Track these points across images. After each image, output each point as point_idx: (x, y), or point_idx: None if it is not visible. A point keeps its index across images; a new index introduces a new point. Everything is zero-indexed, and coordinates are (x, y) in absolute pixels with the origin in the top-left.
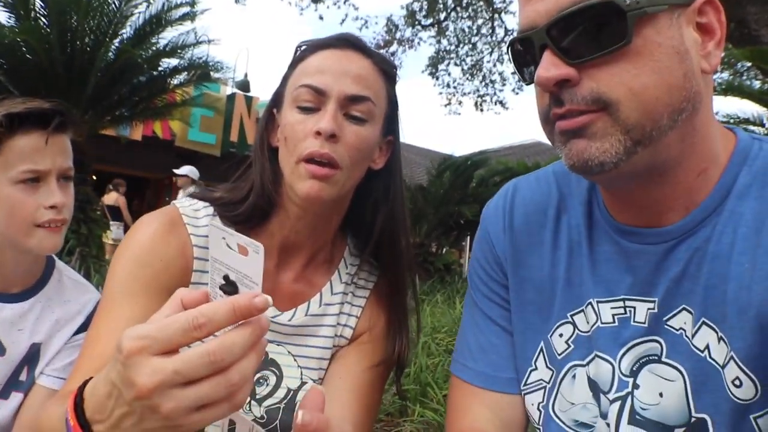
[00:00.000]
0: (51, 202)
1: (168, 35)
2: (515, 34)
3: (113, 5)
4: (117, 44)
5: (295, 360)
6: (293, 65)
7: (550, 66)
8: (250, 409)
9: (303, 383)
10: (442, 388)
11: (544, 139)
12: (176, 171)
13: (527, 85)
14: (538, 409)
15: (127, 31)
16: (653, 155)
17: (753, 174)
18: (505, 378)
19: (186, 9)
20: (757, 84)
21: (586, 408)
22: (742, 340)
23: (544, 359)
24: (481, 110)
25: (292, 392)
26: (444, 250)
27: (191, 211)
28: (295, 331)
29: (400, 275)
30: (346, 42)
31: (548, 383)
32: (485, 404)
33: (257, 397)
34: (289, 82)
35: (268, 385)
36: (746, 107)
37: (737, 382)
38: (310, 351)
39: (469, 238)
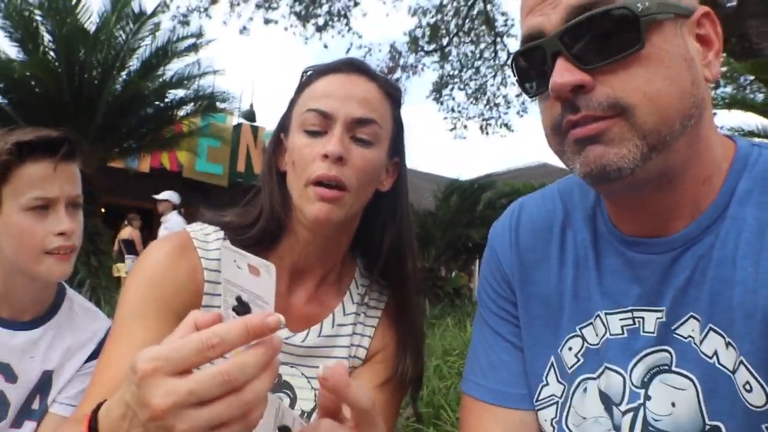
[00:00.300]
0: (60, 228)
1: (174, 66)
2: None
3: (120, 38)
4: (124, 76)
5: (308, 382)
6: (299, 90)
7: (564, 72)
8: None
9: (317, 405)
10: (455, 410)
11: (550, 160)
12: (156, 196)
13: (531, 97)
14: (552, 425)
15: (134, 63)
16: (665, 161)
17: (753, 179)
18: (517, 394)
19: (192, 40)
20: (760, 97)
21: (598, 422)
22: (751, 344)
23: (555, 374)
24: (487, 134)
25: (306, 414)
26: (453, 273)
27: (202, 235)
28: (308, 352)
29: (409, 294)
30: (351, 66)
31: (560, 398)
32: (497, 421)
33: None
34: (295, 107)
35: None
36: (749, 120)
37: (748, 387)
38: None
39: (478, 261)
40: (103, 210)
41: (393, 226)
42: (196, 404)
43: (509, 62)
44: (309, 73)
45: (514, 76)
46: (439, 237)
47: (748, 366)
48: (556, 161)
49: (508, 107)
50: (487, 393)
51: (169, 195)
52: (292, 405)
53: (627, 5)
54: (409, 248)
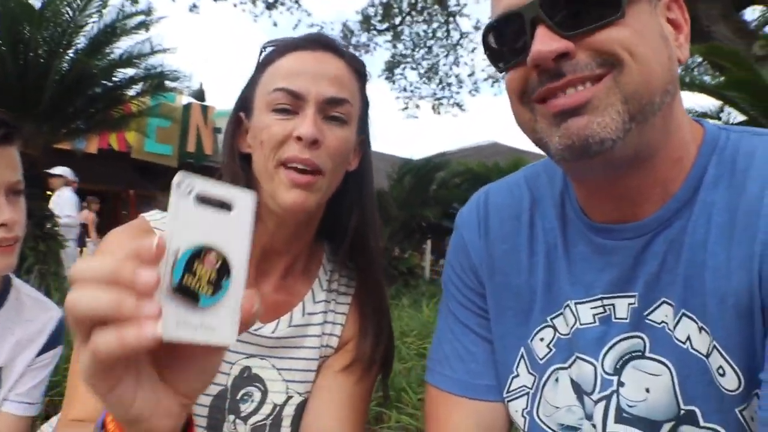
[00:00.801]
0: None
1: (123, 45)
2: (481, 27)
3: (67, 15)
4: (71, 55)
5: (279, 374)
6: (261, 67)
7: (548, 40)
8: (235, 428)
9: (289, 397)
10: (417, 392)
11: (501, 139)
12: (50, 171)
13: (503, 71)
14: (523, 415)
15: (81, 42)
16: (641, 135)
17: (723, 163)
18: (484, 385)
19: (141, 18)
20: (707, 78)
21: (571, 410)
22: (723, 328)
23: (526, 365)
24: (438, 113)
25: (278, 408)
26: (407, 253)
27: (161, 223)
28: (278, 343)
29: (375, 276)
30: (318, 43)
31: (531, 389)
32: (465, 412)
33: (242, 414)
34: (258, 86)
35: (252, 401)
36: (702, 101)
37: (721, 371)
38: (295, 363)
39: (429, 241)
40: (49, 193)
41: (359, 206)
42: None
43: (483, 34)
44: (270, 49)
45: (485, 49)
46: (394, 217)
47: (721, 350)
48: (507, 140)
49: (460, 87)
50: (454, 384)
51: (62, 170)
52: (264, 398)
53: None
54: (374, 228)
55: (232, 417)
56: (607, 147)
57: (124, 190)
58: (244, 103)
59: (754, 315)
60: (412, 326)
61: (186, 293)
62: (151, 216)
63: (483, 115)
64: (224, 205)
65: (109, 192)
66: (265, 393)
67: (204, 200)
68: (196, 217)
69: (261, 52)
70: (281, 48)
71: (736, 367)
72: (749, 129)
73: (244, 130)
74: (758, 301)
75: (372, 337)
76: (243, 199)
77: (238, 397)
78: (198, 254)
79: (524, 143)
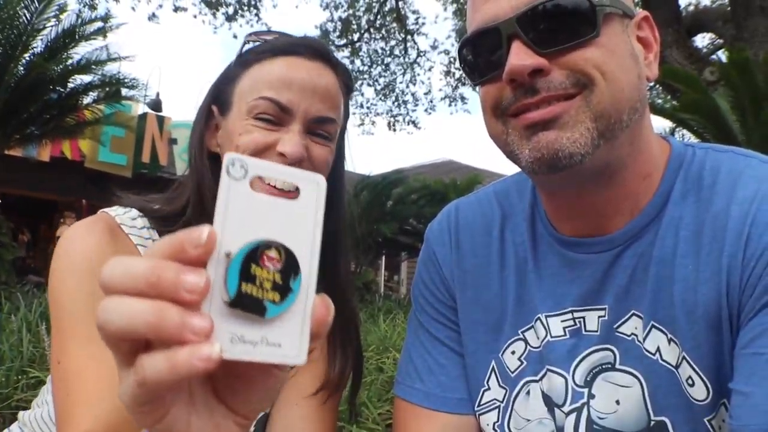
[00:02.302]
0: None
1: (81, 51)
2: (438, 47)
3: (24, 17)
4: (28, 58)
5: None
6: (244, 63)
7: (524, 56)
8: None
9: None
10: (377, 406)
11: (456, 157)
12: None
13: (476, 84)
14: (494, 428)
15: (38, 46)
16: (610, 152)
17: (689, 179)
18: (455, 398)
19: (100, 24)
20: (659, 101)
21: (542, 423)
22: (692, 339)
23: (497, 378)
24: (394, 130)
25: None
26: (362, 268)
27: (128, 219)
28: None
29: (342, 287)
30: (314, 51)
31: (502, 402)
32: (436, 426)
33: None
34: (239, 83)
35: None
36: (656, 123)
37: (690, 381)
38: None
39: (384, 256)
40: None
41: (332, 217)
42: None
43: (458, 48)
44: (259, 47)
45: (461, 62)
46: (350, 232)
47: (690, 361)
48: (462, 158)
49: (416, 105)
50: (425, 397)
51: None
52: None
53: None
54: (346, 241)
55: None
56: (576, 161)
57: (77, 199)
58: (219, 96)
59: (722, 326)
60: (370, 341)
61: (246, 303)
62: (115, 211)
63: (439, 134)
64: (286, 192)
65: (60, 201)
66: None
67: (262, 185)
68: (252, 207)
69: (244, 43)
70: (271, 48)
71: (704, 378)
72: (713, 146)
73: (215, 125)
74: (726, 311)
75: (340, 359)
76: (310, 183)
77: None
78: (256, 253)
79: (479, 161)
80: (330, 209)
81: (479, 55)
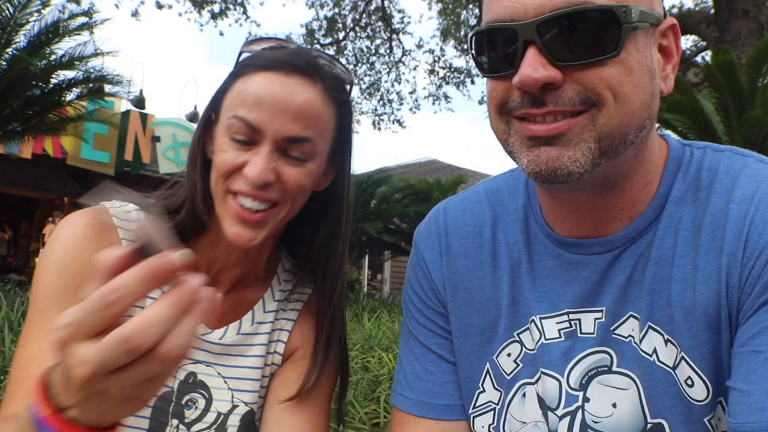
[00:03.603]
0: None
1: (64, 46)
2: (423, 46)
3: (6, 11)
4: (10, 53)
5: (225, 382)
6: (234, 75)
7: (538, 66)
8: None
9: (234, 406)
10: (363, 406)
11: (440, 157)
12: None
13: (485, 75)
14: (489, 431)
15: (21, 40)
16: (612, 168)
17: (688, 180)
18: (442, 405)
19: (84, 19)
20: None
21: (537, 426)
22: (691, 339)
23: (492, 381)
24: (379, 129)
25: (222, 416)
26: (347, 267)
27: (122, 213)
28: (225, 350)
29: (336, 291)
30: (292, 66)
31: (497, 404)
32: None
33: (186, 420)
34: (228, 95)
35: (197, 408)
36: None
37: (689, 382)
38: (241, 372)
39: (367, 255)
40: None
41: (328, 222)
42: (115, 370)
43: (470, 35)
44: (246, 60)
45: (470, 49)
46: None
47: (689, 361)
48: (446, 158)
49: (401, 104)
50: (412, 405)
51: None
52: (208, 406)
53: (612, 8)
54: (343, 245)
55: (175, 422)
56: (573, 179)
57: (59, 197)
58: (215, 106)
59: (721, 325)
60: (355, 340)
61: None
62: (112, 206)
63: (423, 132)
64: None
65: (42, 199)
66: (209, 401)
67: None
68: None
69: (240, 54)
70: (256, 63)
71: (704, 377)
72: (711, 145)
73: (213, 134)
74: (725, 310)
75: (322, 347)
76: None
77: (183, 402)
78: None
79: (463, 161)
80: (324, 216)
81: (491, 49)
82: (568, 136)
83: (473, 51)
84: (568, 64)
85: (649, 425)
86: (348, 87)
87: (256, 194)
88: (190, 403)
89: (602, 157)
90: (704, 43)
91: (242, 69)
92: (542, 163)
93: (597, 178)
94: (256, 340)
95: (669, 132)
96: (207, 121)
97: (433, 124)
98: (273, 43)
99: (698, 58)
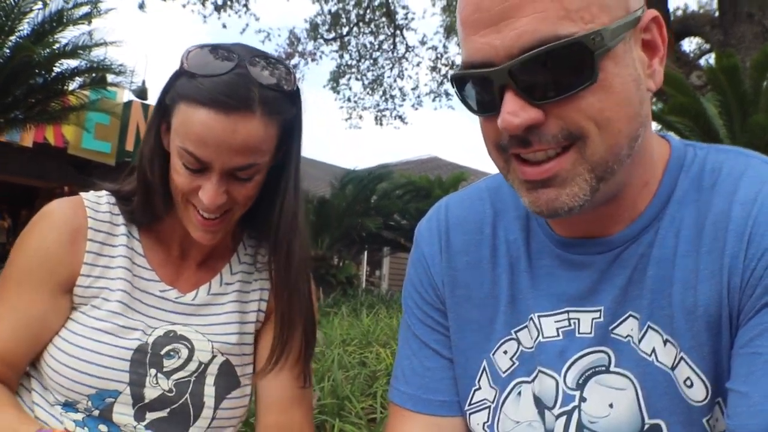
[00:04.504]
0: None
1: (68, 35)
2: (427, 42)
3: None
4: (13, 41)
5: (204, 336)
6: (179, 97)
7: (517, 110)
8: (157, 382)
9: (213, 356)
10: (360, 401)
11: (441, 154)
12: None
13: (476, 114)
14: (484, 429)
15: (24, 29)
16: (610, 187)
17: (690, 180)
18: (439, 401)
19: (87, 8)
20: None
21: (532, 426)
22: (692, 339)
23: (488, 378)
24: (381, 125)
25: (203, 365)
26: (345, 262)
27: (94, 198)
28: (197, 310)
29: (292, 257)
30: (231, 106)
31: (492, 402)
32: (416, 427)
33: (165, 370)
34: (175, 115)
35: (179, 357)
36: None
37: (688, 383)
38: (217, 326)
39: (366, 251)
40: None
41: (278, 197)
42: None
43: (450, 79)
44: (189, 79)
45: (454, 88)
46: (334, 226)
47: (689, 361)
48: (446, 155)
49: (404, 100)
50: (408, 400)
51: None
52: (191, 355)
53: (580, 40)
54: (297, 224)
55: (153, 371)
56: (576, 212)
57: (59, 186)
58: (165, 108)
59: (722, 326)
60: (353, 335)
61: None
62: (86, 196)
63: (424, 129)
64: None
65: (43, 188)
66: (192, 350)
67: None
68: None
69: (183, 61)
70: (195, 95)
71: (704, 378)
72: (713, 145)
73: (166, 125)
74: (726, 311)
75: (286, 331)
76: None
77: (162, 353)
78: None
79: (464, 159)
80: (276, 196)
81: (472, 91)
82: (562, 176)
83: (456, 92)
84: (547, 102)
85: (646, 426)
86: (289, 97)
87: (211, 215)
88: (172, 353)
89: (600, 182)
90: (708, 46)
91: (186, 96)
92: (542, 204)
93: (598, 200)
94: (226, 299)
95: (671, 134)
96: (160, 116)
97: (434, 122)
98: (216, 54)
99: (702, 61)
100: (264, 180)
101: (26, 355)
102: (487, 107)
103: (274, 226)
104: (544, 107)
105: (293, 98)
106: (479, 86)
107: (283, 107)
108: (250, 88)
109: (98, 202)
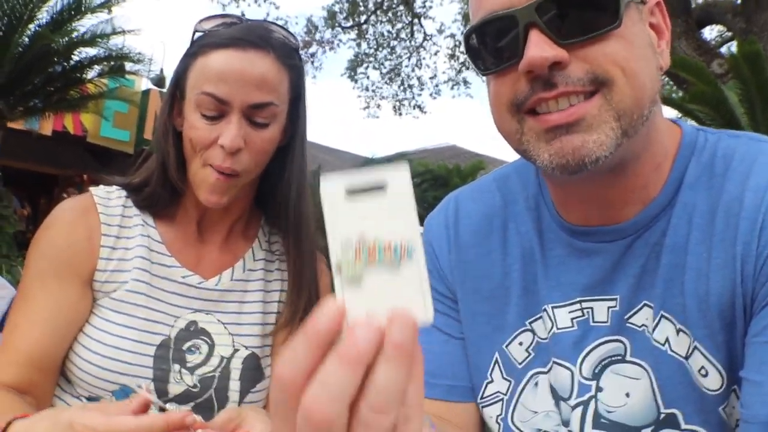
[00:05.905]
0: None
1: (86, 23)
2: (445, 31)
3: None
4: (32, 30)
5: (225, 328)
6: (194, 54)
7: (544, 45)
8: (182, 378)
9: (236, 350)
10: None
11: (459, 143)
12: None
13: (485, 74)
14: (497, 422)
15: (43, 17)
16: (627, 147)
17: (702, 166)
18: (446, 385)
19: None
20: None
21: (549, 416)
22: (705, 328)
23: (500, 370)
24: (400, 114)
25: (225, 360)
26: None
27: (104, 193)
28: (221, 296)
29: (303, 227)
30: (248, 42)
31: (506, 395)
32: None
33: (188, 365)
34: (190, 72)
35: (200, 353)
36: (664, 113)
37: (703, 372)
38: (239, 318)
39: None
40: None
41: (288, 175)
42: None
43: (466, 34)
44: (202, 38)
45: (468, 52)
46: None
47: (703, 350)
48: (465, 143)
49: (422, 89)
50: None
51: None
52: (211, 351)
53: None
54: (304, 187)
55: (177, 366)
56: (600, 164)
57: (78, 174)
58: (179, 84)
59: (736, 314)
60: None
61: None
62: (95, 191)
63: (442, 118)
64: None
65: (61, 176)
66: (212, 346)
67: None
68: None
69: (194, 33)
70: (213, 42)
71: (719, 367)
72: (725, 131)
73: (179, 108)
74: (740, 300)
75: (299, 294)
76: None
77: (184, 348)
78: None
79: (482, 147)
80: (287, 162)
81: (490, 43)
82: (588, 120)
83: (470, 52)
84: (572, 41)
85: (662, 415)
86: (296, 52)
87: (225, 167)
88: (193, 348)
89: (624, 136)
90: (730, 34)
91: (200, 48)
92: (568, 153)
93: (615, 159)
94: (250, 287)
95: (692, 122)
96: (173, 98)
97: (452, 110)
98: (225, 20)
99: (723, 49)
100: (274, 153)
101: (59, 355)
102: (505, 57)
103: (284, 195)
104: (569, 48)
105: (298, 54)
106: (499, 33)
107: (293, 57)
108: (263, 31)
109: (108, 197)
